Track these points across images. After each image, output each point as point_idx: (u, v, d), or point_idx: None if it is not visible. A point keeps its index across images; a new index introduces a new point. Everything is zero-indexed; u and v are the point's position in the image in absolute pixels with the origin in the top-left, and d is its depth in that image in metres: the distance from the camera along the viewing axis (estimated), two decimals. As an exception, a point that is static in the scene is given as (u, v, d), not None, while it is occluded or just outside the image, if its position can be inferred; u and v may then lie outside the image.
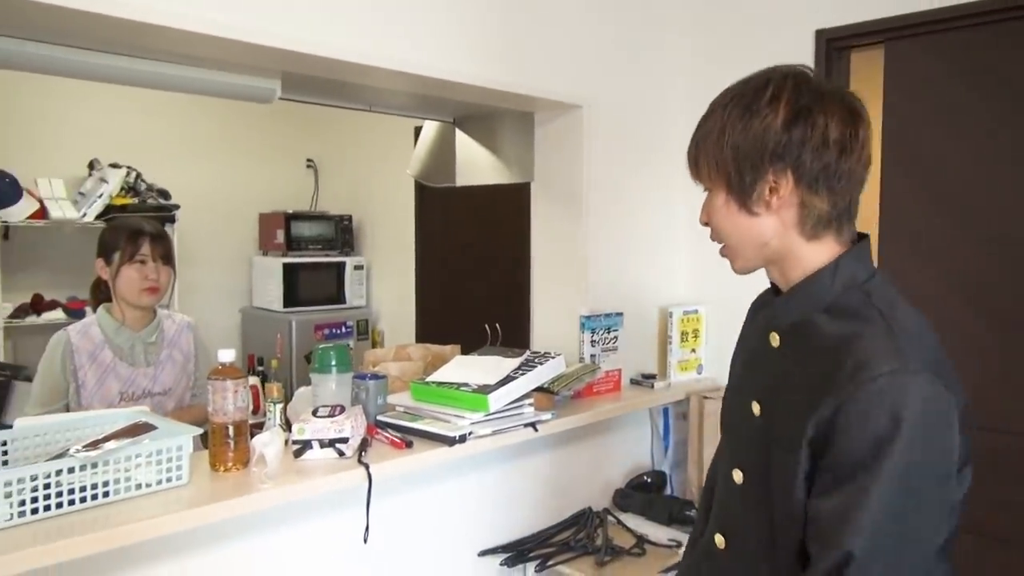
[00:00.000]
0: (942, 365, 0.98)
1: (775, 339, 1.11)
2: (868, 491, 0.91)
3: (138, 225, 2.20)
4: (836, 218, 1.05)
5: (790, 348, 1.09)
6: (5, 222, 3.63)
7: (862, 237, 1.10)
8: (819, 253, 1.06)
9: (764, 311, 1.19)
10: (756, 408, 1.11)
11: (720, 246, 1.17)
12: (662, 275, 2.77)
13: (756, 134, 1.03)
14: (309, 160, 5.08)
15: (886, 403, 0.92)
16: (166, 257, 2.19)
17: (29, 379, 2.26)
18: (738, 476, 1.13)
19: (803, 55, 2.48)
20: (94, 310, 2.22)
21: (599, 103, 2.45)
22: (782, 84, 1.04)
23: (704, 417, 2.47)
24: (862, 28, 2.36)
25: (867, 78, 2.48)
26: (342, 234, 4.72)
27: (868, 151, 1.05)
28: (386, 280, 4.79)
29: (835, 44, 2.44)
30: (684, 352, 2.68)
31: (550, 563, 2.10)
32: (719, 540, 1.17)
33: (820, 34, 2.45)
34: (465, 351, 2.27)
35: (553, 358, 2.02)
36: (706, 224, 1.16)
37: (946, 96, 2.26)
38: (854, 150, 1.02)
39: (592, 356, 2.38)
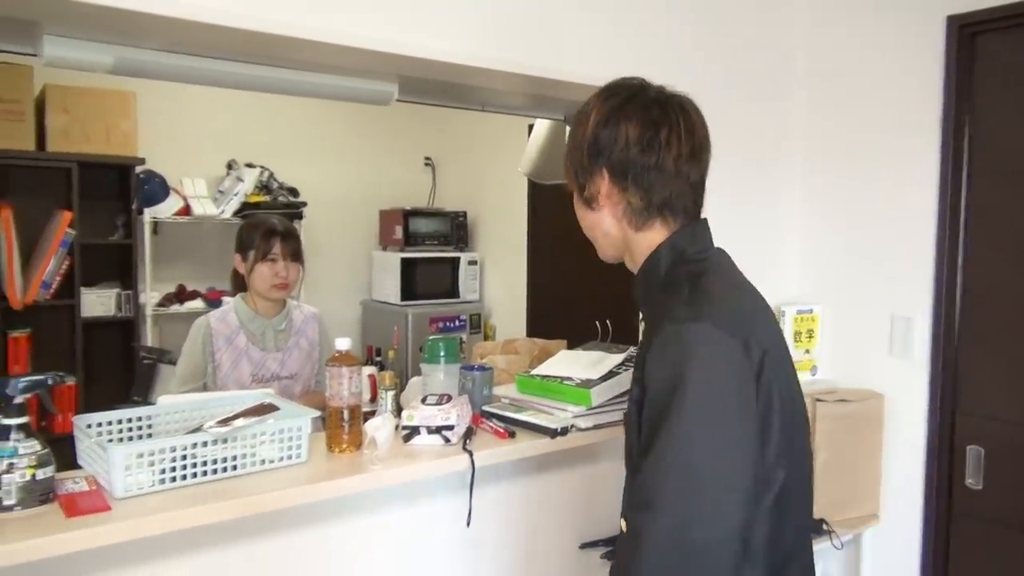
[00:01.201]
0: (741, 321, 1.10)
1: (643, 324, 1.25)
2: (668, 420, 1.02)
3: (271, 224, 2.34)
4: (657, 209, 1.18)
5: (646, 329, 1.21)
6: (155, 218, 3.97)
7: (699, 221, 1.22)
8: (650, 240, 1.20)
9: None
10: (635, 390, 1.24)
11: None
12: (774, 273, 2.69)
13: (579, 140, 1.21)
14: (427, 158, 5.24)
15: (673, 343, 1.06)
16: (295, 255, 2.34)
17: (173, 362, 2.47)
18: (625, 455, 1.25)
19: (933, 41, 2.35)
20: (233, 295, 2.41)
21: (707, 95, 2.41)
22: (597, 96, 1.22)
23: (818, 420, 2.39)
24: (994, 13, 2.21)
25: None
26: (457, 230, 4.84)
27: (682, 147, 1.16)
28: (499, 275, 4.88)
29: (967, 30, 2.30)
30: (798, 352, 2.60)
31: (652, 560, 2.09)
32: (623, 524, 1.24)
33: (952, 20, 2.31)
34: (573, 347, 2.30)
35: (657, 355, 2.02)
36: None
37: None
38: (656, 148, 1.15)
39: (699, 354, 2.35)
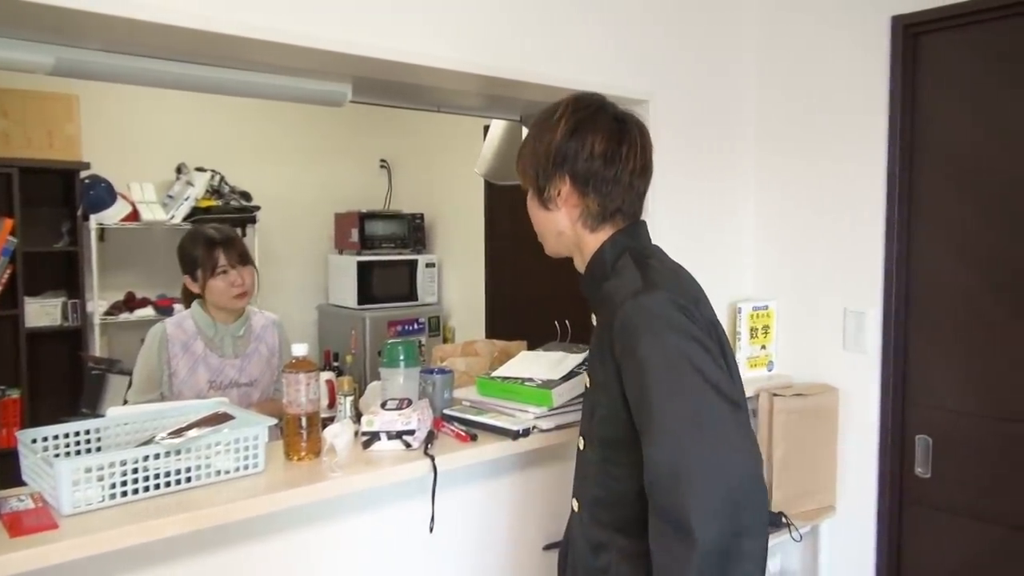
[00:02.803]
0: (683, 289, 1.27)
1: (594, 319, 1.37)
2: (646, 384, 1.16)
3: (209, 236, 2.26)
4: (611, 214, 1.32)
5: (598, 320, 1.35)
6: (101, 224, 3.86)
7: (638, 222, 1.37)
8: (600, 241, 1.34)
9: None
10: (587, 381, 1.37)
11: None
12: (730, 270, 2.73)
13: (545, 145, 1.31)
14: (382, 160, 5.20)
15: (632, 313, 1.20)
16: (243, 258, 2.28)
17: (123, 372, 2.41)
18: (580, 443, 1.40)
19: (879, 42, 2.41)
20: (186, 307, 2.35)
21: (665, 97, 2.43)
22: (567, 108, 1.32)
23: (774, 415, 2.42)
24: (940, 13, 2.28)
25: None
26: (414, 232, 4.82)
27: (636, 163, 1.31)
28: (457, 277, 4.87)
29: (911, 30, 2.36)
30: (754, 348, 2.64)
31: (615, 558, 2.10)
32: (574, 503, 1.41)
33: (897, 20, 2.37)
34: (533, 347, 2.30)
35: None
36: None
37: (984, 88, 2.25)
38: (617, 162, 1.29)
39: (658, 352, 2.37)
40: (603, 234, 1.34)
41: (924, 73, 2.37)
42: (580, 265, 1.39)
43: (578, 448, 1.41)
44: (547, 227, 1.38)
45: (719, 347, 1.23)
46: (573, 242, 1.37)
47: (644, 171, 1.34)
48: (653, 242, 1.41)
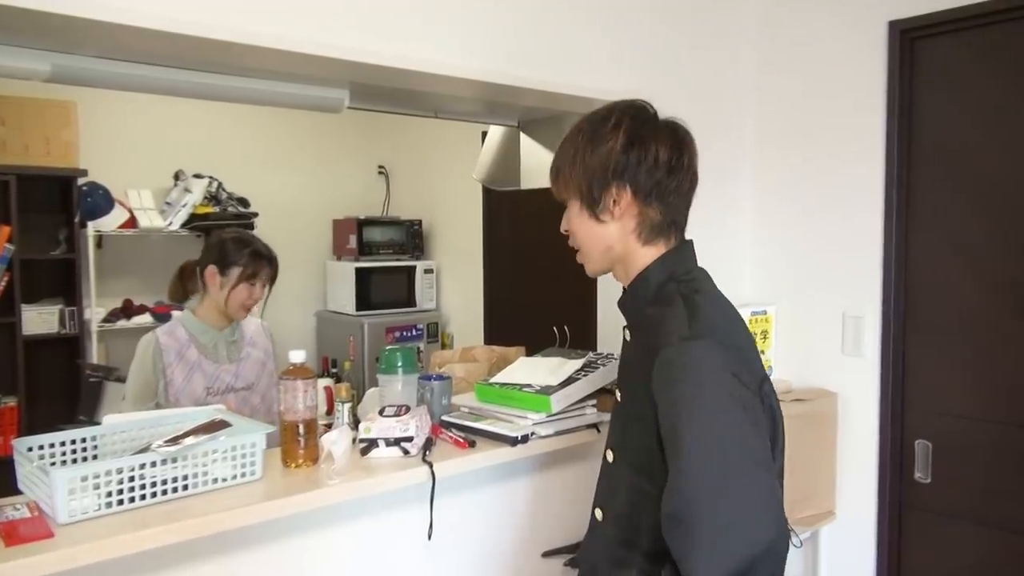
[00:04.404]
0: (733, 338, 1.22)
1: (627, 334, 1.35)
2: (686, 440, 1.11)
3: (260, 247, 2.31)
4: (667, 226, 1.29)
5: (634, 340, 1.32)
6: (99, 231, 3.85)
7: (687, 242, 1.34)
8: (651, 256, 1.30)
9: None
10: (618, 394, 1.35)
11: (577, 252, 1.38)
12: (728, 275, 2.72)
13: (602, 156, 1.26)
14: (380, 167, 5.20)
15: (677, 359, 1.15)
16: (274, 280, 2.33)
17: (120, 380, 2.39)
18: (609, 456, 1.36)
19: (876, 47, 2.41)
20: (177, 301, 2.35)
21: (663, 102, 2.42)
22: (621, 116, 1.28)
23: (774, 420, 2.42)
24: (937, 18, 2.28)
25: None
26: (412, 238, 4.81)
27: (693, 173, 1.30)
28: (456, 283, 4.86)
29: (908, 35, 2.36)
30: (753, 354, 2.63)
31: (615, 565, 2.10)
32: (598, 513, 1.36)
33: (893, 25, 2.38)
34: (531, 353, 2.29)
35: (616, 359, 2.02)
36: (566, 232, 1.37)
37: (980, 92, 2.25)
38: (679, 170, 1.27)
39: (657, 358, 2.36)
40: (654, 250, 1.30)
41: (921, 78, 2.37)
42: (624, 280, 1.34)
43: (606, 459, 1.37)
44: (595, 241, 1.32)
45: (766, 408, 1.20)
46: (620, 256, 1.32)
47: (695, 181, 1.33)
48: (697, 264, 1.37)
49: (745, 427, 1.12)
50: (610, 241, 1.30)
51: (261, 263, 2.27)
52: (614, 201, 1.27)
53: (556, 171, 1.34)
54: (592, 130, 1.29)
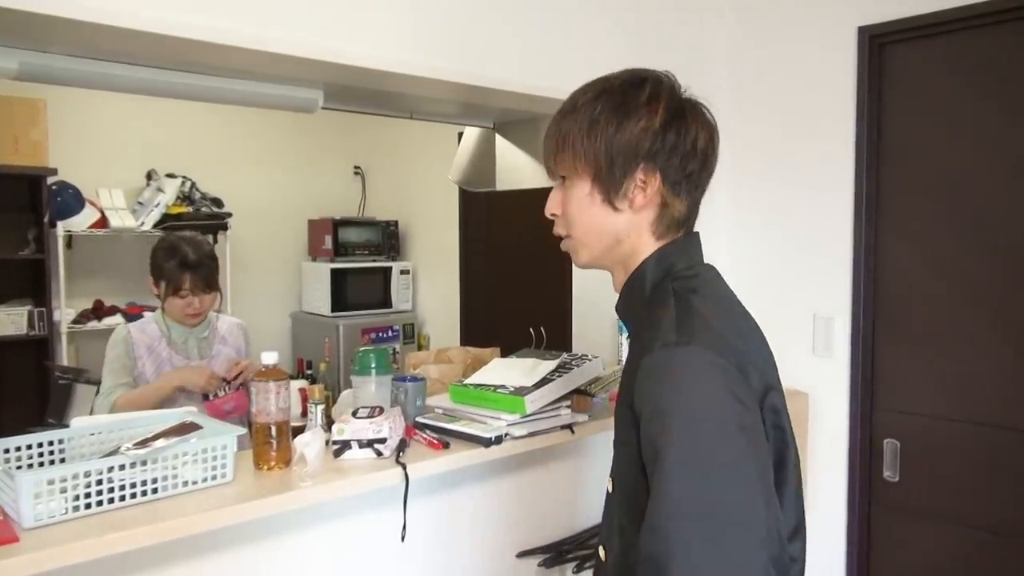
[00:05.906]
0: (731, 342, 0.99)
1: (626, 340, 1.17)
2: (666, 454, 0.90)
3: (183, 255, 2.20)
4: (684, 223, 1.09)
5: (630, 350, 1.10)
6: (69, 231, 3.79)
7: (692, 234, 1.13)
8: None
9: None
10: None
11: (564, 239, 1.15)
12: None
13: (632, 133, 1.03)
14: (356, 167, 5.18)
15: (656, 368, 0.95)
16: (208, 286, 2.25)
17: (91, 382, 2.37)
18: (609, 486, 1.13)
19: (846, 53, 2.45)
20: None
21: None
22: (659, 87, 1.05)
23: (746, 420, 2.44)
24: (906, 24, 2.32)
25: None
26: (388, 239, 4.80)
27: (716, 163, 1.10)
28: (432, 284, 4.85)
29: (876, 40, 2.40)
30: (726, 355, 2.66)
31: (588, 564, 2.11)
32: (601, 553, 1.14)
33: (863, 31, 2.41)
34: (507, 354, 2.30)
35: (590, 360, 2.03)
36: (553, 216, 1.14)
37: (947, 97, 2.30)
38: (711, 161, 1.08)
39: (631, 359, 2.38)
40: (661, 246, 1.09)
41: (890, 83, 2.41)
42: (620, 278, 1.13)
43: (607, 489, 1.14)
44: (601, 231, 1.08)
45: (769, 424, 0.99)
46: (628, 253, 1.09)
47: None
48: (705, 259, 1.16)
49: (739, 449, 0.91)
50: (621, 234, 1.07)
51: (183, 274, 2.18)
52: (637, 188, 1.04)
53: (561, 139, 1.08)
54: (621, 98, 1.04)
